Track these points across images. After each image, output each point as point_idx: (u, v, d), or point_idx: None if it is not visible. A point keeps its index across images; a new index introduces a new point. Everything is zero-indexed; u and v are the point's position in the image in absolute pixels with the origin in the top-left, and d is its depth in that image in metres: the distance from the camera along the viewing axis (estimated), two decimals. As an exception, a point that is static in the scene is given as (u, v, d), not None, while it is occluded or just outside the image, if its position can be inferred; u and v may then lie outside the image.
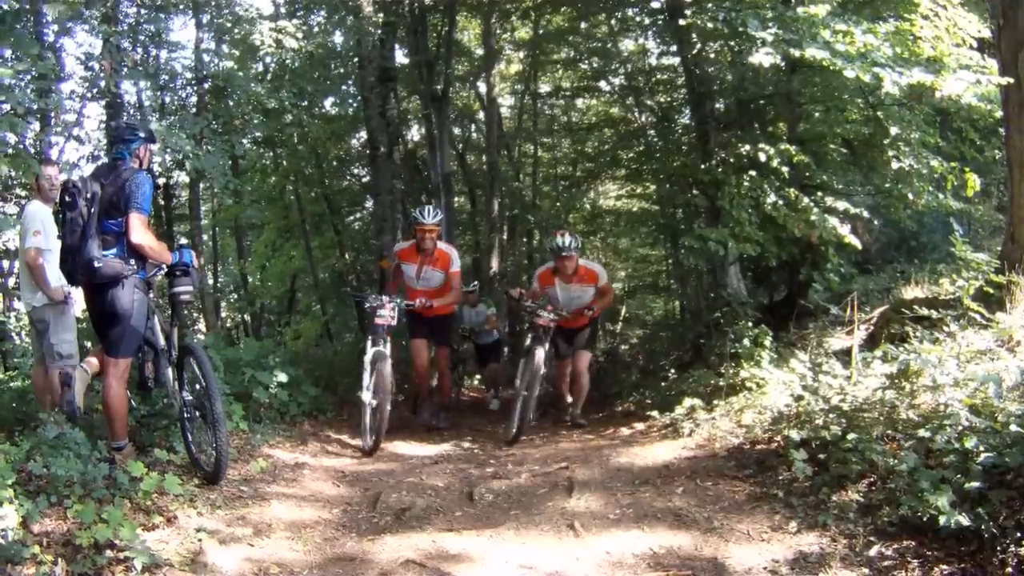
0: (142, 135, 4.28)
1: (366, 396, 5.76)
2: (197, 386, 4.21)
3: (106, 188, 4.04)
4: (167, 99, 10.64)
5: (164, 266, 4.31)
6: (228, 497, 4.04)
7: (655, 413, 6.02)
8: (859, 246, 7.10)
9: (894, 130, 6.71)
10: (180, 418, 4.35)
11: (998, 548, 2.74)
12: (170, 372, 4.36)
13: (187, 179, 11.15)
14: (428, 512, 4.02)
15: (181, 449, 4.36)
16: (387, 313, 5.94)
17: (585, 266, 6.74)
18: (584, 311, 6.62)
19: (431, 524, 3.83)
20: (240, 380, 5.99)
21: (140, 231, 3.99)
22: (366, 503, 4.26)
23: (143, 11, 9.21)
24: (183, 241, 4.85)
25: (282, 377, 6.22)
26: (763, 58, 5.54)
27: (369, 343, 5.94)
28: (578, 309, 6.63)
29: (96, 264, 3.94)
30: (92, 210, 3.97)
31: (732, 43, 8.29)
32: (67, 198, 4.01)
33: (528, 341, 6.57)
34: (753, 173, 7.22)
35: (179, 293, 4.28)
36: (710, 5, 6.63)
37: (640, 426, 6.23)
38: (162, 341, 4.35)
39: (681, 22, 8.17)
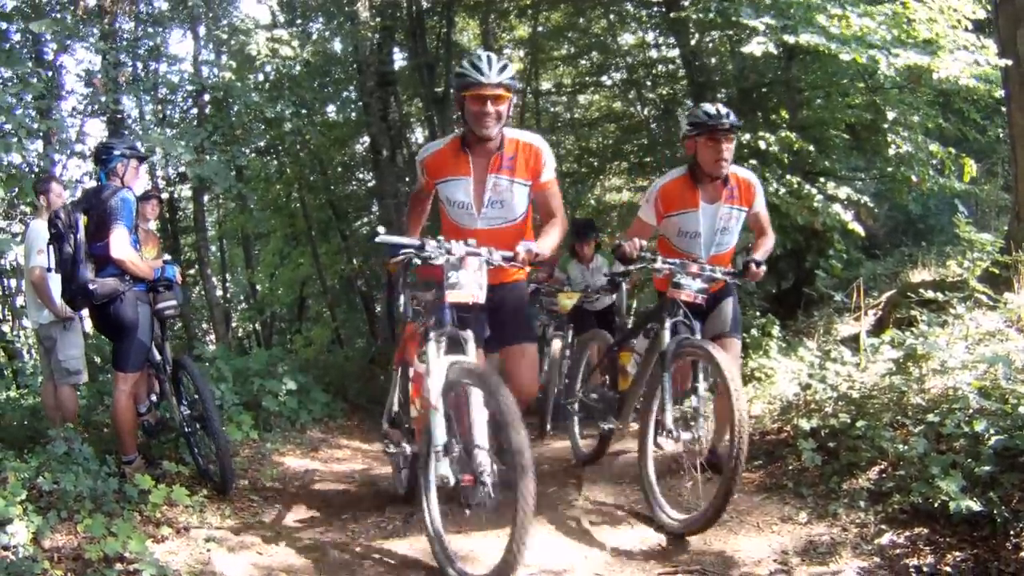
0: (117, 152, 4.25)
1: (445, 469, 2.87)
2: (196, 397, 4.24)
3: (91, 213, 4.07)
4: (168, 112, 10.72)
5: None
6: (237, 506, 4.06)
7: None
8: (862, 232, 7.05)
9: (891, 114, 6.67)
10: (182, 431, 4.39)
11: (1011, 532, 2.70)
12: (168, 386, 4.40)
13: (190, 192, 11.23)
14: (437, 514, 4.01)
15: (191, 461, 4.39)
16: (471, 279, 3.02)
17: (738, 174, 3.81)
18: (751, 264, 3.66)
19: (439, 526, 3.82)
20: (249, 389, 6.02)
21: (121, 246, 4.00)
22: (375, 507, 4.26)
23: (140, 26, 9.27)
24: (166, 257, 4.87)
25: (291, 385, 6.25)
26: (756, 48, 5.50)
27: (432, 347, 3.01)
28: (722, 257, 3.88)
29: (91, 287, 3.99)
30: (79, 237, 4.00)
31: (729, 32, 8.24)
32: (52, 231, 4.06)
33: (665, 329, 3.61)
34: (754, 162, 7.17)
35: (164, 308, 4.30)
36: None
37: (650, 420, 6.18)
38: (157, 356, 4.40)
39: (673, 15, 8.14)
